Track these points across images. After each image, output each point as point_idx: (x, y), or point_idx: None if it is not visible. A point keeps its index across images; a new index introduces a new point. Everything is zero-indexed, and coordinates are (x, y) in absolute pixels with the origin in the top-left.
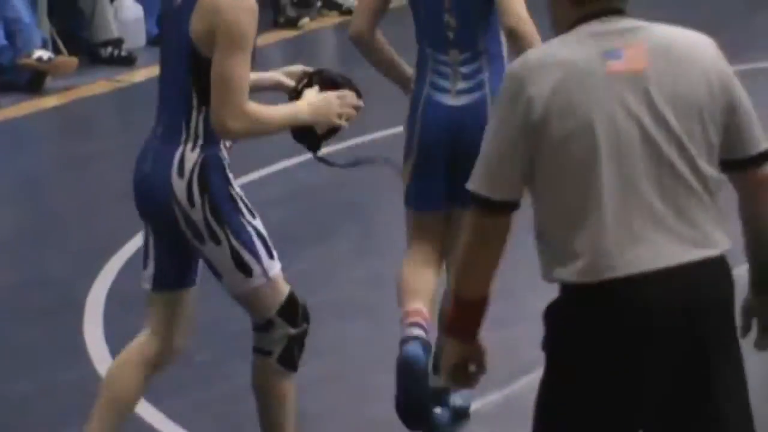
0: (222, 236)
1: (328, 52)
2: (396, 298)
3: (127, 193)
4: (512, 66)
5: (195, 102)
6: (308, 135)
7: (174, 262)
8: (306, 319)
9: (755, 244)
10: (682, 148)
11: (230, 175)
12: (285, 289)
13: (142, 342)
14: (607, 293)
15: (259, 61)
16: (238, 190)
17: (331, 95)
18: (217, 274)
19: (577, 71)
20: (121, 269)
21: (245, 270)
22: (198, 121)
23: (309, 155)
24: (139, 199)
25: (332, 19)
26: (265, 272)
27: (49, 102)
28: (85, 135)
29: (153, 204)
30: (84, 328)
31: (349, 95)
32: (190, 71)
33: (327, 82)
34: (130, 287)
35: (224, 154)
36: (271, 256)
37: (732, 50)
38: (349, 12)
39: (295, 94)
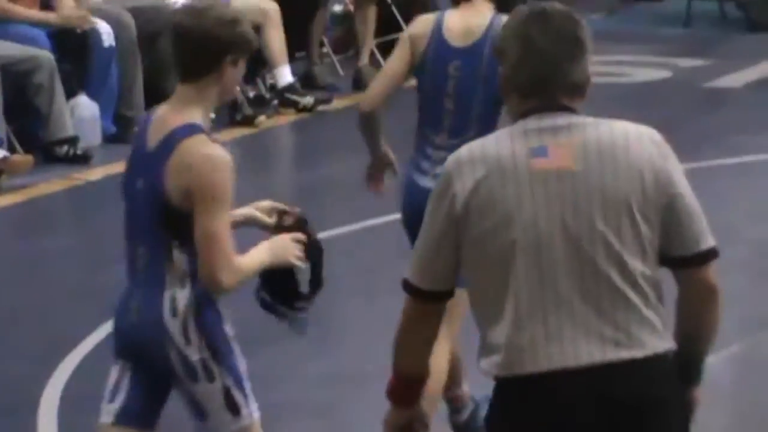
0: (216, 374)
1: (285, 149)
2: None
3: (83, 292)
4: (447, 160)
5: (176, 244)
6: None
7: (147, 402)
8: None
9: (681, 339)
10: (607, 247)
11: (222, 312)
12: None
13: None
14: (521, 388)
15: None
16: (229, 327)
17: (286, 236)
18: (201, 414)
19: (500, 168)
20: (75, 369)
21: (234, 409)
22: (181, 260)
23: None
24: (124, 343)
25: (288, 117)
26: (250, 414)
27: (4, 200)
28: (40, 233)
29: (142, 347)
30: (38, 429)
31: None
32: (163, 219)
33: (300, 222)
34: (84, 388)
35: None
36: (252, 399)
37: (687, 148)
38: (305, 110)
39: (276, 232)
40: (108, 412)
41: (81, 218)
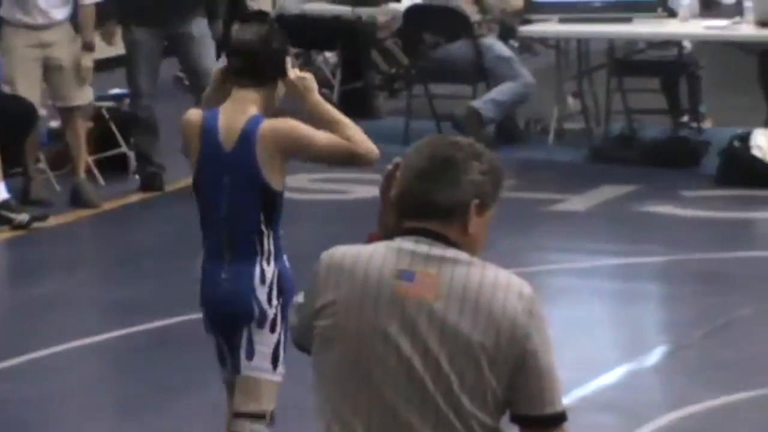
0: (278, 329)
1: (1, 266)
2: None
3: None
4: (326, 253)
5: (264, 225)
6: None
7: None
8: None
9: None
10: (448, 389)
11: (294, 283)
12: (276, 399)
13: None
14: None
15: None
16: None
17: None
18: (250, 354)
19: (364, 282)
20: None
21: (275, 362)
22: (269, 239)
23: None
24: (215, 313)
25: (3, 234)
26: (281, 373)
27: None
28: None
29: (232, 313)
30: None
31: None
32: (259, 202)
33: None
34: None
35: (286, 263)
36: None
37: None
38: (20, 227)
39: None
40: (226, 372)
41: None
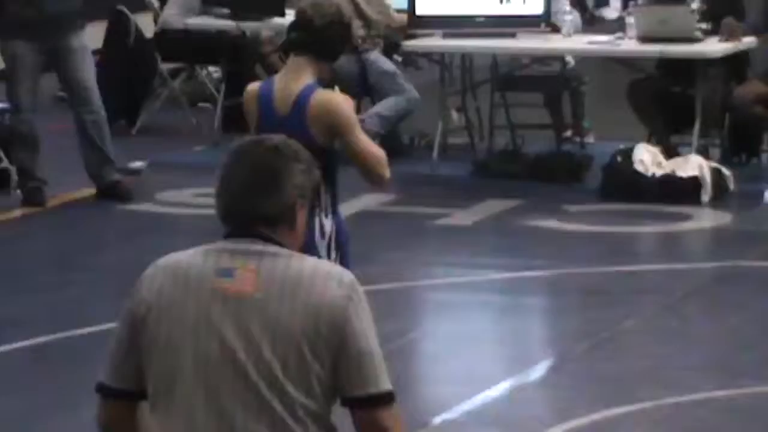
0: None
1: None
2: None
3: None
4: (153, 264)
5: (323, 183)
6: None
7: None
8: None
9: None
10: (272, 376)
11: (349, 234)
12: None
13: None
14: None
15: None
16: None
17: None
18: None
19: (185, 282)
20: None
21: None
22: (326, 197)
23: None
24: None
25: None
26: None
27: None
28: None
29: None
30: None
31: None
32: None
33: None
34: None
35: (342, 216)
36: None
37: None
38: None
39: None
40: None
41: None
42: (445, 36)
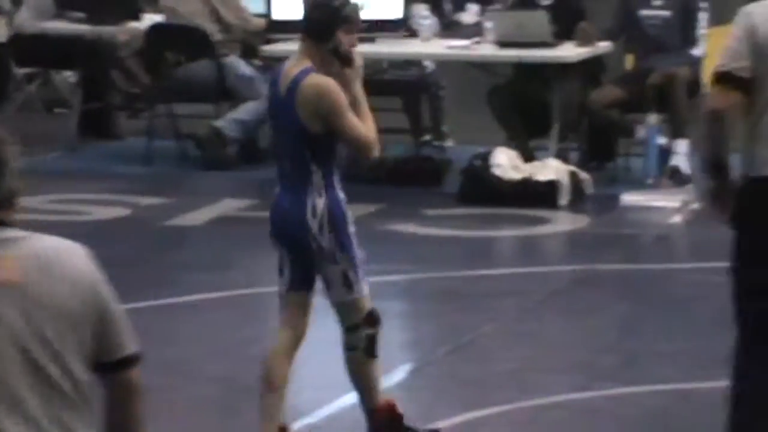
0: (339, 259)
1: None
2: None
3: None
4: None
5: (314, 162)
6: None
7: (303, 271)
8: (379, 321)
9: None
10: (56, 356)
11: (348, 214)
12: (369, 304)
13: (282, 337)
14: None
15: None
16: (352, 228)
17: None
18: (328, 285)
19: None
20: None
21: (348, 285)
22: (319, 175)
23: None
24: (277, 229)
25: None
26: (360, 290)
27: None
28: None
29: (292, 236)
30: None
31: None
32: (304, 143)
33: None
34: None
35: (341, 195)
36: (364, 280)
37: (145, 286)
38: None
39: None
40: (282, 283)
41: None
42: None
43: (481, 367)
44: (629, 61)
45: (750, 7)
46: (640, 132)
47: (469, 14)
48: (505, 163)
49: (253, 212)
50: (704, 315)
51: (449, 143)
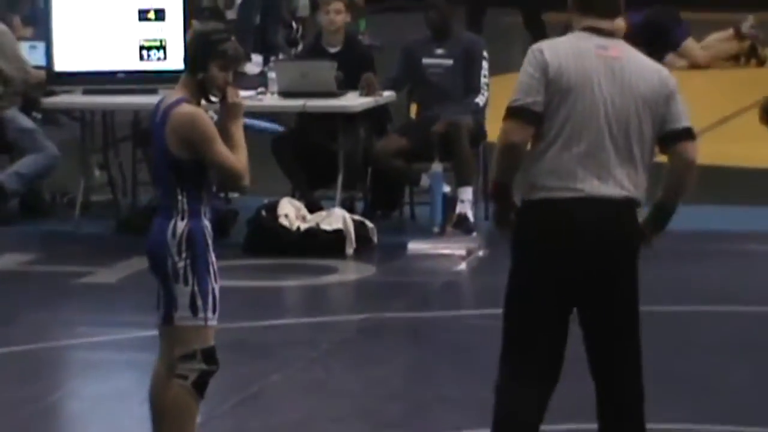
0: (190, 281)
1: None
2: None
3: None
4: None
5: (179, 187)
6: None
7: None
8: (216, 364)
9: None
10: None
11: (210, 242)
12: (211, 341)
13: (158, 368)
14: None
15: None
16: (213, 257)
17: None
18: (173, 307)
19: None
20: None
21: (194, 310)
22: (183, 200)
23: None
24: (148, 257)
25: None
26: (205, 318)
27: None
28: None
29: (153, 256)
30: None
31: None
32: (171, 169)
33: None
34: None
35: (205, 223)
36: (214, 312)
37: None
38: None
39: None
40: (158, 316)
41: None
42: (86, 92)
43: (268, 418)
44: (414, 110)
45: (541, 45)
46: (425, 180)
47: (253, 65)
48: (292, 213)
49: (36, 266)
50: (492, 360)
51: (235, 194)
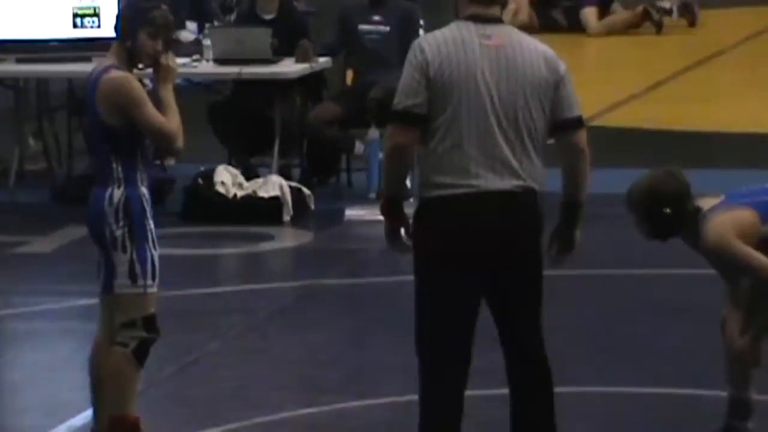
0: (128, 249)
1: None
2: None
3: None
4: None
5: (113, 155)
6: None
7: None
8: (157, 332)
9: None
10: None
11: (148, 209)
12: (152, 308)
13: (100, 337)
14: None
15: None
16: (152, 224)
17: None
18: (112, 275)
19: None
20: None
21: (133, 277)
22: (118, 168)
23: None
24: (87, 226)
25: None
26: (145, 286)
27: None
28: None
29: (91, 225)
30: None
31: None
32: (104, 137)
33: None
34: None
35: (143, 191)
36: (153, 279)
37: None
38: None
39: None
40: (98, 285)
41: None
42: (19, 61)
43: (207, 385)
44: (349, 77)
45: (421, 42)
46: (360, 147)
47: (188, 32)
48: (228, 180)
49: None
50: None
51: (171, 162)
